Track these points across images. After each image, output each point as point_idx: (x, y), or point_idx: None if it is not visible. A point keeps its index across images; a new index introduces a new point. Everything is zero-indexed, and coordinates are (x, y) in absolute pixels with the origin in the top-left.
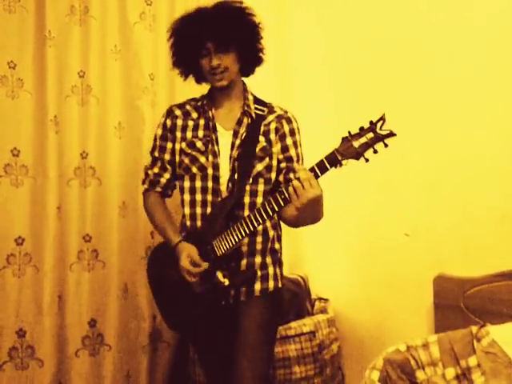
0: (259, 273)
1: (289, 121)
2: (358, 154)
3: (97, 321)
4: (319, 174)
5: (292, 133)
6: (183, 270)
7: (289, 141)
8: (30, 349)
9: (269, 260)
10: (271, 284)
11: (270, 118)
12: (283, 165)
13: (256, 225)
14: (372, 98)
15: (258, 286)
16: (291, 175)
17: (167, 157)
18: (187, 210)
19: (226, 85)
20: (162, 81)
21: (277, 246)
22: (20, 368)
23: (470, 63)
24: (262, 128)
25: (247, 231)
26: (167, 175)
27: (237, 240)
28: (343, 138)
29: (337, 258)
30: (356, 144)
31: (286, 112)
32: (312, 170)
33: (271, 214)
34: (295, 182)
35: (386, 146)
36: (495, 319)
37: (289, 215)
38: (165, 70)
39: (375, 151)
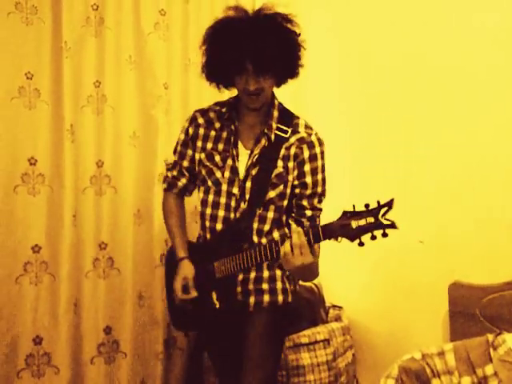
0: (266, 286)
1: (311, 145)
2: (353, 236)
3: (112, 328)
4: (312, 241)
5: (312, 159)
6: (174, 291)
7: (306, 167)
8: (47, 356)
9: (279, 273)
10: (280, 298)
11: (292, 140)
12: (297, 190)
13: (255, 263)
14: (384, 109)
15: (266, 298)
16: (304, 202)
17: (185, 163)
18: (199, 221)
19: (258, 108)
20: (175, 90)
21: None
22: (36, 375)
23: (481, 73)
24: (283, 152)
25: (245, 265)
26: (184, 180)
27: (235, 270)
28: (344, 212)
29: (351, 265)
30: (354, 224)
31: (310, 135)
32: (306, 234)
33: (266, 259)
34: (286, 247)
35: (384, 235)
36: None
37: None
38: (179, 79)
39: (373, 237)
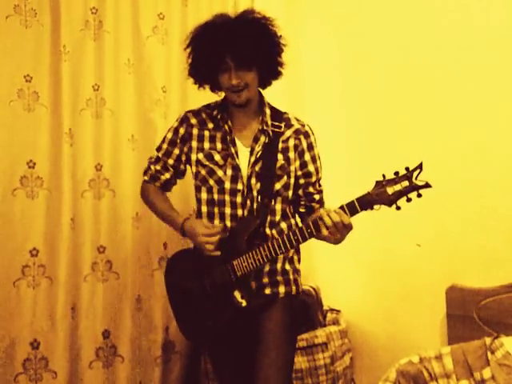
0: (281, 278)
1: (306, 135)
2: (390, 202)
3: (110, 332)
4: (348, 215)
5: (310, 148)
6: (202, 239)
7: (307, 156)
8: (44, 360)
9: (288, 267)
10: (294, 288)
11: (288, 133)
12: (302, 181)
13: (279, 252)
14: (383, 109)
15: (282, 289)
16: (311, 189)
17: (171, 161)
18: (205, 221)
19: (244, 103)
20: (174, 93)
21: (295, 256)
22: (34, 380)
23: (481, 74)
24: (280, 145)
25: (269, 257)
26: (167, 175)
27: (258, 264)
28: (377, 182)
29: (349, 268)
30: (390, 190)
31: (304, 125)
32: (342, 209)
33: (295, 244)
34: (331, 229)
35: (419, 196)
36: (509, 330)
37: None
38: (177, 82)
39: (409, 200)
